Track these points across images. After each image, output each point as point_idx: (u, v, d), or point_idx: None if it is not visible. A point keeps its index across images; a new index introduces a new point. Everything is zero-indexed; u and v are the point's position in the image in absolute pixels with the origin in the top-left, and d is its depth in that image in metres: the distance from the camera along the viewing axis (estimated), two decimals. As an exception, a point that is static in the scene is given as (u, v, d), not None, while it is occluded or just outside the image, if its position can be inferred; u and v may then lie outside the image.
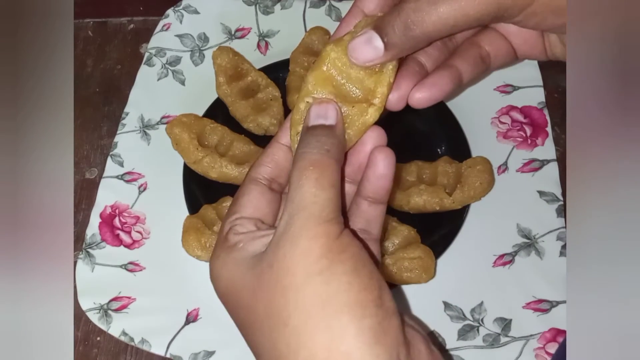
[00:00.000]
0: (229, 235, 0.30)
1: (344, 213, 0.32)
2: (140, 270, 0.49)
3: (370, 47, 0.30)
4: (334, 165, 0.28)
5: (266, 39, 0.62)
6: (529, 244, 0.50)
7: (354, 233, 0.29)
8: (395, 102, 0.32)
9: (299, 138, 0.30)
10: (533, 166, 0.53)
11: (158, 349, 0.46)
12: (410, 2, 0.29)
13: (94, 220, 0.51)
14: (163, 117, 0.57)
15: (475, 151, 0.53)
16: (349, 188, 0.33)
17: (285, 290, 0.26)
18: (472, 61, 0.33)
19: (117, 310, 0.47)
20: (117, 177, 0.54)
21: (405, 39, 0.29)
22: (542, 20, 0.30)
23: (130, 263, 0.50)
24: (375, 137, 0.31)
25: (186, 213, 0.50)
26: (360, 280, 0.26)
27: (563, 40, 0.34)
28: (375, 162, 0.30)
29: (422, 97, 0.32)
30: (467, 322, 0.47)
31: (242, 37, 0.62)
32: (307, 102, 0.31)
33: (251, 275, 0.27)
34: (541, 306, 0.47)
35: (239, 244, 0.29)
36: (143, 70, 0.59)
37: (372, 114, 0.31)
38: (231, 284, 0.29)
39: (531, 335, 0.46)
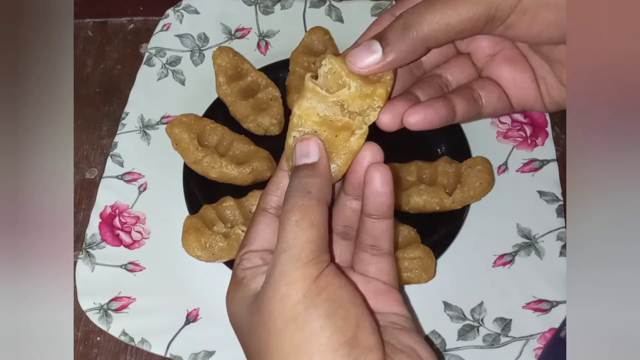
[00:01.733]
0: (237, 271, 0.32)
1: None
2: (140, 270, 0.49)
3: (369, 52, 0.30)
4: (315, 206, 0.29)
5: (266, 39, 0.62)
6: (529, 244, 0.50)
7: (338, 267, 0.30)
8: (390, 120, 0.32)
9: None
10: (533, 166, 0.53)
11: (158, 349, 0.46)
12: (405, 11, 0.30)
13: (94, 220, 0.51)
14: (163, 117, 0.57)
15: (475, 151, 0.53)
16: (355, 204, 0.33)
17: (268, 335, 0.28)
18: (465, 99, 0.34)
19: (117, 310, 0.47)
20: (117, 177, 0.54)
21: (402, 41, 0.30)
22: (533, 19, 0.30)
23: (130, 263, 0.50)
24: (370, 155, 0.31)
25: (186, 213, 0.50)
26: (332, 324, 0.27)
27: (563, 81, 0.33)
28: (372, 180, 0.31)
29: (419, 118, 0.32)
30: (467, 322, 0.47)
31: (242, 37, 0.62)
32: (294, 137, 0.32)
33: (248, 316, 0.29)
34: (541, 306, 0.47)
35: (244, 280, 0.31)
36: (143, 70, 0.59)
37: (355, 142, 0.31)
38: (236, 320, 0.31)
39: (531, 335, 0.46)
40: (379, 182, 0.31)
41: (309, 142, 0.31)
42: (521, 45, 0.35)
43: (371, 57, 0.30)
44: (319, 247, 0.29)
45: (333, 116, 0.31)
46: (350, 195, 0.33)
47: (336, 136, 0.31)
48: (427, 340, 0.46)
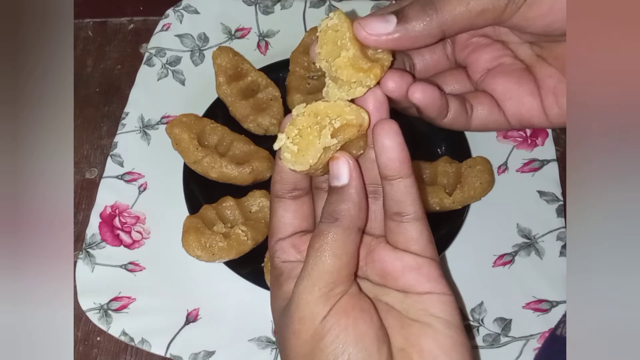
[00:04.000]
0: (275, 262, 0.32)
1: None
2: (140, 270, 0.49)
3: (382, 21, 0.29)
4: (339, 235, 0.29)
5: (266, 39, 0.62)
6: (529, 244, 0.50)
7: (359, 288, 0.31)
8: (396, 87, 0.30)
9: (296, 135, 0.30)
10: (533, 166, 0.53)
11: (158, 349, 0.46)
12: None
13: (94, 220, 0.51)
14: (163, 117, 0.57)
15: (475, 151, 0.53)
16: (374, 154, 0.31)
17: (287, 356, 0.30)
18: (458, 103, 0.33)
19: (117, 310, 0.47)
20: (117, 177, 0.54)
21: (421, 19, 0.29)
22: (548, 8, 0.29)
23: (130, 263, 0.50)
24: (374, 100, 0.30)
25: (186, 213, 0.50)
26: None
27: (560, 104, 0.32)
28: (378, 137, 0.29)
29: (421, 92, 0.31)
30: (467, 322, 0.47)
31: (242, 37, 0.62)
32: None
33: (279, 321, 0.31)
34: (541, 306, 0.47)
35: (281, 277, 0.32)
36: (143, 70, 0.59)
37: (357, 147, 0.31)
38: (275, 316, 0.32)
39: (531, 335, 0.46)
40: (387, 136, 0.29)
41: (338, 163, 0.30)
42: (529, 56, 0.34)
43: (383, 26, 0.29)
44: (335, 279, 0.29)
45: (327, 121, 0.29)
46: (369, 145, 0.31)
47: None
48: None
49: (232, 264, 0.48)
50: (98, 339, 0.48)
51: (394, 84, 0.30)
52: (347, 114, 0.30)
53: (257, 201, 0.49)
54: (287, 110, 0.55)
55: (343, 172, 0.30)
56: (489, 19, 0.30)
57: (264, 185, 0.51)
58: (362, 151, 0.32)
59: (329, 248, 0.29)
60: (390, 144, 0.29)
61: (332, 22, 0.30)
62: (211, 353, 0.45)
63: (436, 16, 0.29)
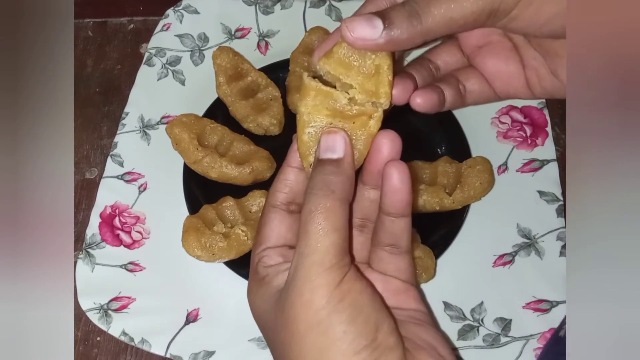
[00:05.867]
0: (258, 268, 0.32)
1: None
2: (140, 270, 0.49)
3: (369, 25, 0.29)
4: (338, 207, 0.29)
5: (266, 39, 0.62)
6: (529, 244, 0.50)
7: (357, 268, 0.31)
8: (400, 95, 0.32)
9: (310, 170, 0.31)
10: (533, 166, 0.53)
11: (158, 349, 0.46)
12: (409, 1, 0.30)
13: (94, 220, 0.51)
14: (163, 117, 0.57)
15: (475, 151, 0.53)
16: (373, 194, 0.33)
17: (292, 337, 0.29)
18: (453, 90, 0.35)
19: (117, 310, 0.47)
20: (117, 177, 0.54)
21: (405, 27, 0.29)
22: (538, 10, 0.30)
23: (130, 263, 0.50)
24: (389, 144, 0.31)
25: (186, 213, 0.50)
26: (355, 329, 0.28)
27: (556, 72, 0.34)
28: (390, 177, 0.31)
29: (422, 102, 0.33)
30: (467, 322, 0.47)
31: (242, 37, 0.62)
32: (309, 133, 0.31)
33: (272, 314, 0.30)
34: (541, 306, 0.47)
35: (266, 278, 0.31)
36: (143, 70, 0.59)
37: (374, 125, 0.31)
38: (261, 318, 0.32)
39: (531, 335, 0.46)
40: (397, 178, 0.31)
41: (335, 136, 0.31)
42: (516, 37, 0.35)
43: (369, 32, 0.29)
44: (341, 251, 0.29)
45: (343, 107, 0.31)
46: (368, 184, 0.33)
47: (353, 122, 0.31)
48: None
49: (232, 264, 0.48)
50: (98, 339, 0.48)
51: (397, 92, 0.32)
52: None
53: (257, 201, 0.49)
54: (287, 110, 0.55)
55: (339, 144, 0.30)
56: (471, 27, 0.31)
57: (264, 185, 0.51)
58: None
59: (331, 222, 0.29)
60: (401, 187, 0.31)
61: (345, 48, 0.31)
62: (211, 353, 0.45)
63: (420, 26, 0.30)
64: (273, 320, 0.30)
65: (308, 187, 0.30)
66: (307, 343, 0.28)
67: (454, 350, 0.46)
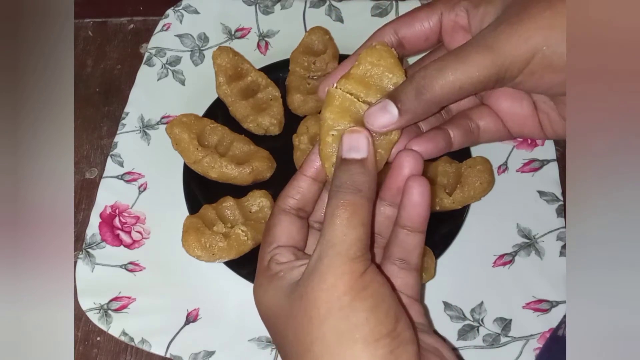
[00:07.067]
0: (271, 265, 0.32)
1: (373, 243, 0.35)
2: (140, 270, 0.49)
3: (385, 113, 0.31)
4: (365, 205, 0.30)
5: (266, 39, 0.62)
6: (529, 244, 0.50)
7: (379, 267, 0.31)
8: (394, 154, 0.34)
9: (334, 169, 0.32)
10: (533, 166, 0.53)
11: (158, 349, 0.46)
12: (420, 71, 0.31)
13: (94, 220, 0.51)
14: (163, 117, 0.57)
15: (475, 151, 0.53)
16: (389, 211, 0.34)
17: (311, 321, 0.29)
18: (462, 130, 0.35)
19: (117, 310, 0.47)
20: (117, 177, 0.54)
21: (417, 103, 0.31)
22: (541, 79, 0.31)
23: (130, 263, 0.50)
24: (412, 162, 0.32)
25: (186, 213, 0.50)
26: (376, 317, 0.28)
27: (564, 116, 0.35)
28: (410, 191, 0.32)
29: (421, 150, 0.34)
30: (467, 322, 0.47)
31: (242, 37, 0.62)
32: (333, 134, 0.32)
33: (286, 304, 0.30)
34: (541, 306, 0.47)
35: (280, 273, 0.31)
36: (143, 70, 0.59)
37: (395, 133, 0.33)
38: (270, 310, 0.32)
39: (531, 335, 0.46)
40: (419, 193, 0.32)
41: (359, 136, 0.31)
42: None
43: (387, 119, 0.31)
44: (365, 245, 0.29)
45: None
46: (385, 200, 0.34)
47: None
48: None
49: (232, 264, 0.48)
50: (98, 339, 0.48)
51: (393, 151, 0.33)
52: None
53: (257, 201, 0.49)
54: (287, 110, 0.55)
55: (363, 144, 0.31)
56: (480, 91, 0.33)
57: (264, 185, 0.51)
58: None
59: (358, 218, 0.29)
60: (421, 201, 0.32)
61: (347, 87, 0.33)
62: (211, 353, 0.45)
63: (430, 98, 0.31)
64: (287, 309, 0.30)
65: (333, 185, 0.31)
66: (327, 326, 0.28)
67: (454, 350, 0.46)
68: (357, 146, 0.31)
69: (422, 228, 0.33)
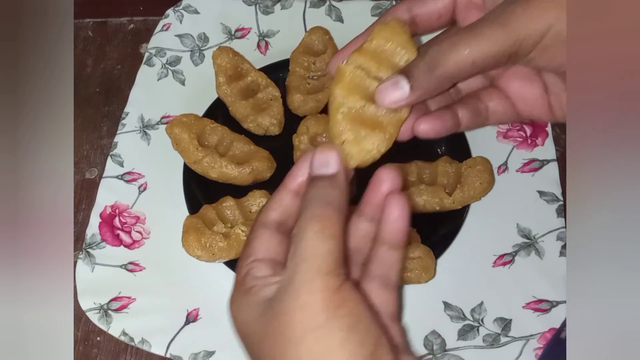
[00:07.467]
0: (246, 279, 0.31)
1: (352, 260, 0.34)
2: (140, 270, 0.49)
3: (397, 89, 0.31)
4: (335, 217, 0.29)
5: (266, 39, 0.62)
6: (529, 244, 0.50)
7: (357, 285, 0.31)
8: (403, 132, 0.34)
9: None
10: (533, 166, 0.53)
11: (158, 349, 0.46)
12: (433, 46, 0.31)
13: (94, 220, 0.51)
14: (163, 117, 0.57)
15: (475, 151, 0.53)
16: (368, 227, 0.34)
17: (286, 343, 0.27)
18: (471, 110, 0.35)
19: (117, 310, 0.47)
20: (117, 177, 0.54)
21: (429, 79, 0.31)
22: (554, 55, 0.31)
23: (130, 263, 0.50)
24: (391, 178, 0.32)
25: (186, 213, 0.50)
26: (355, 337, 0.27)
27: (564, 110, 0.35)
28: (390, 206, 0.31)
29: (428, 128, 0.34)
30: (467, 322, 0.47)
31: (242, 37, 0.62)
32: (343, 112, 0.32)
33: (260, 323, 0.29)
34: (541, 306, 0.47)
35: (253, 288, 0.30)
36: (143, 70, 0.59)
37: (405, 110, 0.33)
38: (244, 328, 0.30)
39: (531, 335, 0.46)
40: (399, 208, 0.31)
41: (329, 153, 0.31)
42: None
43: (398, 94, 0.31)
44: (338, 259, 0.28)
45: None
46: (364, 216, 0.33)
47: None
48: (427, 340, 0.46)
49: (232, 264, 0.48)
50: (98, 339, 0.48)
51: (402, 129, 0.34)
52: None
53: (257, 201, 0.49)
54: (287, 110, 0.55)
55: (334, 161, 0.31)
56: (492, 68, 0.33)
57: (264, 185, 0.51)
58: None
59: (329, 230, 0.28)
60: (402, 216, 0.31)
61: (359, 61, 0.32)
62: (211, 353, 0.45)
63: (443, 73, 0.31)
64: (260, 331, 0.29)
65: (303, 200, 0.30)
66: (303, 349, 0.27)
67: (454, 350, 0.46)
68: (327, 163, 0.31)
69: (401, 244, 0.32)
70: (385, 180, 0.32)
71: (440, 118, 0.34)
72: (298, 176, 0.33)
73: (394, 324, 0.33)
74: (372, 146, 0.32)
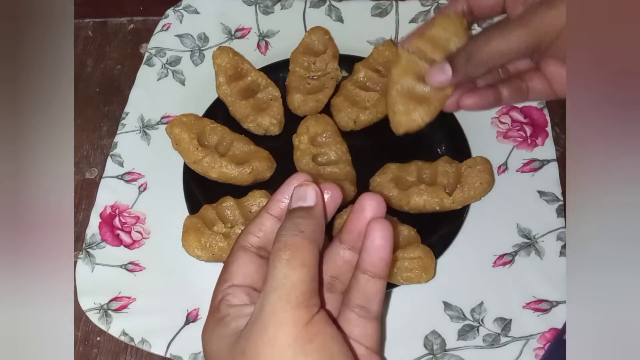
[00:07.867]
0: (220, 306, 0.30)
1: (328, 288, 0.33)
2: (140, 270, 0.49)
3: (442, 73, 0.39)
4: (306, 246, 0.29)
5: (266, 39, 0.62)
6: (529, 244, 0.50)
7: (331, 316, 0.30)
8: (451, 103, 0.41)
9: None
10: (533, 166, 0.53)
11: (158, 349, 0.46)
12: (471, 41, 0.39)
13: (94, 220, 0.51)
14: (163, 117, 0.57)
15: (475, 151, 0.53)
16: (349, 255, 0.33)
17: None
18: (513, 88, 0.42)
19: (117, 310, 0.47)
20: (117, 177, 0.54)
21: (467, 65, 0.38)
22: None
23: (130, 263, 0.50)
24: (374, 205, 0.31)
25: (186, 213, 0.50)
26: None
27: None
28: (373, 233, 0.30)
29: (471, 102, 0.41)
30: (467, 322, 0.47)
31: (242, 37, 0.62)
32: (397, 89, 0.40)
33: (229, 357, 0.28)
34: (541, 306, 0.47)
35: (226, 317, 0.30)
36: (143, 70, 0.59)
37: (449, 89, 0.40)
38: (214, 358, 0.29)
39: (531, 335, 0.46)
40: (381, 236, 0.30)
41: (307, 188, 0.31)
42: None
43: (443, 77, 0.39)
44: (310, 289, 0.28)
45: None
46: (345, 244, 0.33)
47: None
48: (427, 340, 0.46)
49: (232, 264, 0.48)
50: (98, 339, 0.48)
51: (451, 101, 0.41)
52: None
53: (257, 201, 0.49)
54: (287, 110, 0.55)
55: (311, 195, 0.31)
56: (515, 59, 0.40)
57: (264, 185, 0.51)
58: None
59: (299, 258, 0.28)
60: (383, 244, 0.30)
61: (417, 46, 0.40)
62: (211, 353, 0.45)
63: (478, 61, 0.38)
64: (235, 355, 0.28)
65: (278, 231, 0.30)
66: None
67: (454, 350, 0.46)
68: (305, 197, 0.31)
69: (383, 273, 0.31)
70: (369, 207, 0.31)
71: (482, 94, 0.41)
72: (281, 201, 0.32)
73: (373, 357, 0.31)
74: (418, 116, 0.40)
